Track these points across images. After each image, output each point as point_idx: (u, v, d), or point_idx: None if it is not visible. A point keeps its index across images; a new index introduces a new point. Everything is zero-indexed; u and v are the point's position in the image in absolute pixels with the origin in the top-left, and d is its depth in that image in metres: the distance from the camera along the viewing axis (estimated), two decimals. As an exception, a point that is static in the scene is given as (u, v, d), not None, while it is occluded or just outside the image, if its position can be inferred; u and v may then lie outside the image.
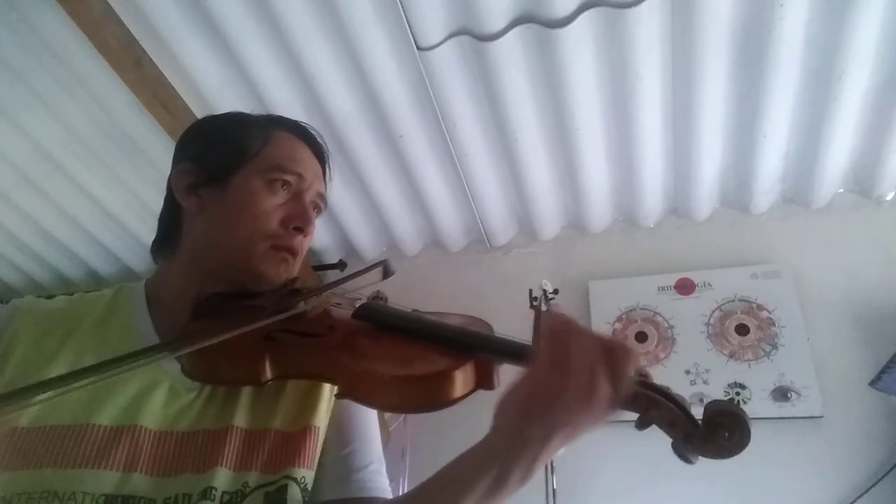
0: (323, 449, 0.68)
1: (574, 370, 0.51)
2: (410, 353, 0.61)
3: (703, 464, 0.54)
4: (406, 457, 2.06)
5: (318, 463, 0.67)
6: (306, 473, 0.65)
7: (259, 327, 0.59)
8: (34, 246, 2.57)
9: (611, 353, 0.52)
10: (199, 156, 0.74)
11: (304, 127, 0.79)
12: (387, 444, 2.06)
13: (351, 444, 0.70)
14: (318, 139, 0.80)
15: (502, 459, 0.53)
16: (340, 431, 0.70)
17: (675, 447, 0.53)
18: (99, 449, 0.58)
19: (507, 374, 0.59)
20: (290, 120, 0.79)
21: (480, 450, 0.56)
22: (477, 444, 0.56)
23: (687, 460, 0.53)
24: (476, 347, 0.60)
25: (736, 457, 0.51)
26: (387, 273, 0.71)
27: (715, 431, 0.51)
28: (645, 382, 0.55)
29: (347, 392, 0.60)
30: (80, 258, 2.66)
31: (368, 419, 0.74)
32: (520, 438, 0.52)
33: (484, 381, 0.59)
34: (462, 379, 0.57)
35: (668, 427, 0.53)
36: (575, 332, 0.53)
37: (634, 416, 0.55)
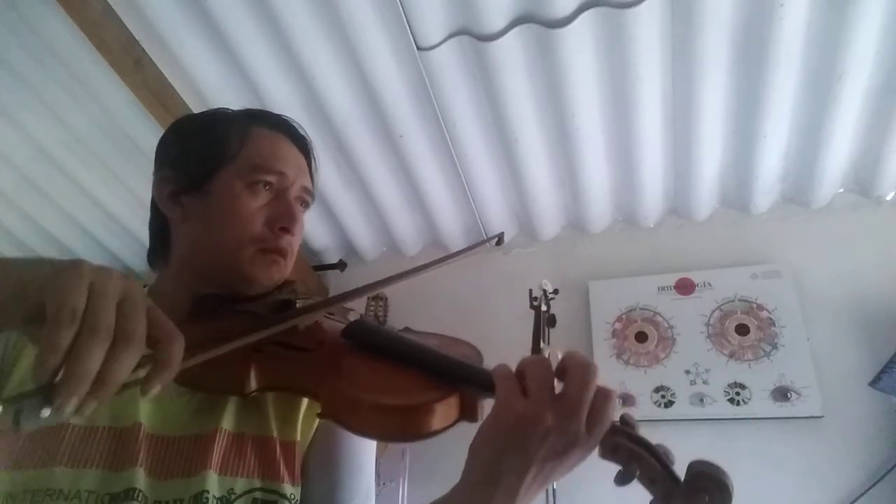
0: (309, 476, 0.66)
1: (545, 401, 0.49)
2: (396, 380, 0.59)
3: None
4: (406, 457, 2.06)
5: (303, 489, 0.65)
6: (295, 491, 0.64)
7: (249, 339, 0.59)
8: (34, 246, 2.57)
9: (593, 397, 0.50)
10: (178, 161, 0.72)
11: (284, 120, 0.76)
12: (387, 445, 2.06)
13: (338, 475, 0.68)
14: (300, 131, 0.77)
15: (478, 500, 0.51)
16: (328, 460, 0.68)
17: None
18: (103, 449, 0.58)
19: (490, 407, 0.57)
20: (270, 114, 0.77)
21: (457, 490, 0.54)
22: (456, 484, 0.54)
23: None
24: (463, 380, 0.58)
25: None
26: (500, 242, 0.69)
27: (696, 494, 0.49)
28: (630, 434, 0.53)
29: (329, 414, 0.58)
30: (80, 258, 2.66)
31: (360, 448, 0.71)
32: (493, 476, 0.51)
33: (468, 413, 0.58)
34: (444, 412, 0.56)
35: (649, 483, 0.51)
36: (537, 364, 0.51)
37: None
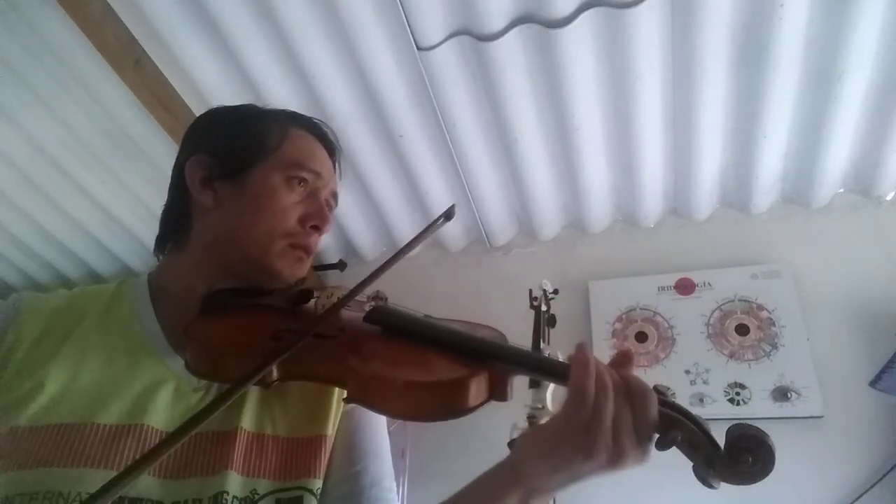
0: (332, 463, 0.66)
1: (605, 434, 0.51)
2: (424, 359, 0.59)
3: (703, 463, 0.53)
4: (406, 457, 2.06)
5: (327, 476, 0.65)
6: (321, 484, 0.64)
7: (266, 327, 0.58)
8: (34, 246, 2.57)
9: (632, 396, 0.52)
10: (215, 148, 0.71)
11: (318, 124, 0.78)
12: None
13: (363, 461, 0.68)
14: (332, 137, 0.79)
15: (515, 495, 0.54)
16: (352, 447, 0.68)
17: (696, 471, 0.52)
18: (104, 448, 0.56)
19: (519, 385, 0.59)
20: (306, 117, 0.78)
21: (495, 480, 0.56)
22: (491, 472, 0.57)
23: (709, 485, 0.51)
24: (491, 357, 0.58)
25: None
26: (449, 216, 0.70)
27: (738, 457, 0.49)
28: (666, 402, 0.53)
29: (357, 397, 0.58)
30: (80, 258, 2.66)
31: (380, 434, 0.72)
32: (539, 482, 0.54)
33: (497, 391, 0.58)
34: (476, 388, 0.55)
35: (689, 450, 0.51)
36: (607, 395, 0.52)
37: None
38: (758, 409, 1.79)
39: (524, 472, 0.55)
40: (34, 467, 0.54)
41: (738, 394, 1.82)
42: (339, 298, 0.66)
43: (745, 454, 0.48)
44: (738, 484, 0.49)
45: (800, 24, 1.46)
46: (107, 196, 2.25)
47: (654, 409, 0.51)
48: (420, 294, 2.27)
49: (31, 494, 0.52)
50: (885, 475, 1.63)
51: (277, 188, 0.69)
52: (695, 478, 0.51)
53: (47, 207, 2.32)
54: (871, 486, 1.63)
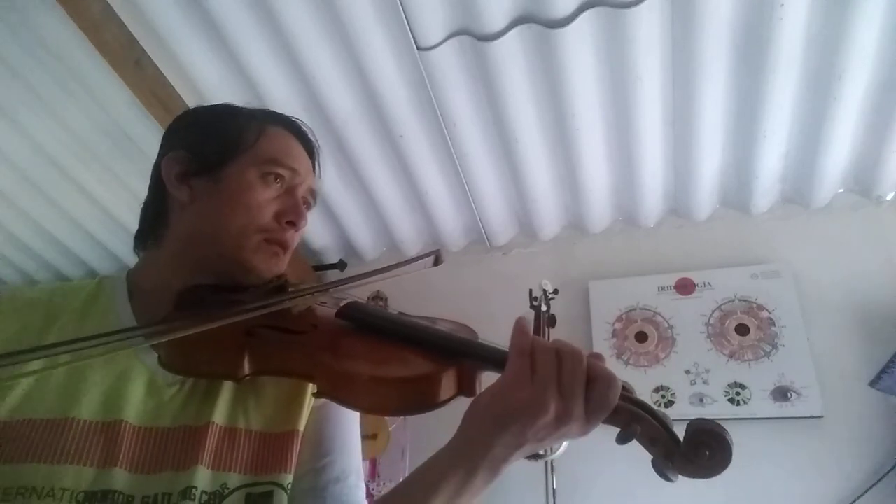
0: (299, 456, 0.66)
1: (551, 391, 0.52)
2: (393, 355, 0.60)
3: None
4: (406, 457, 2.06)
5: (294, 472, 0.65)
6: (291, 478, 0.64)
7: (240, 321, 0.58)
8: (34, 246, 2.57)
9: (593, 382, 0.53)
10: (192, 144, 0.72)
11: (296, 122, 0.78)
12: (387, 445, 2.06)
13: (330, 455, 0.68)
14: (310, 135, 0.79)
15: (468, 462, 0.54)
16: (320, 440, 0.68)
17: (654, 464, 0.53)
18: (80, 444, 0.57)
19: (489, 382, 0.58)
20: (283, 115, 0.79)
21: (448, 452, 0.56)
22: (445, 446, 0.57)
23: (666, 478, 0.52)
24: (460, 353, 0.60)
25: (719, 475, 0.50)
26: (438, 261, 0.71)
27: (696, 450, 0.51)
28: (627, 396, 0.54)
29: (327, 391, 0.59)
30: (79, 258, 2.66)
31: (350, 430, 0.72)
32: (488, 444, 0.53)
33: (465, 387, 0.59)
34: (444, 384, 0.56)
35: (649, 443, 0.53)
36: (549, 352, 0.53)
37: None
38: (758, 409, 1.79)
39: (469, 437, 0.55)
40: (8, 463, 0.54)
41: (738, 394, 1.82)
42: (313, 293, 0.66)
43: (702, 448, 0.50)
44: (696, 477, 0.51)
45: (800, 24, 1.46)
46: (107, 196, 2.25)
47: (613, 394, 0.52)
48: (420, 294, 2.28)
49: (6, 490, 0.52)
50: (885, 475, 1.64)
51: (252, 184, 0.69)
52: (654, 471, 0.53)
53: (47, 207, 2.33)
54: (871, 486, 1.64)
